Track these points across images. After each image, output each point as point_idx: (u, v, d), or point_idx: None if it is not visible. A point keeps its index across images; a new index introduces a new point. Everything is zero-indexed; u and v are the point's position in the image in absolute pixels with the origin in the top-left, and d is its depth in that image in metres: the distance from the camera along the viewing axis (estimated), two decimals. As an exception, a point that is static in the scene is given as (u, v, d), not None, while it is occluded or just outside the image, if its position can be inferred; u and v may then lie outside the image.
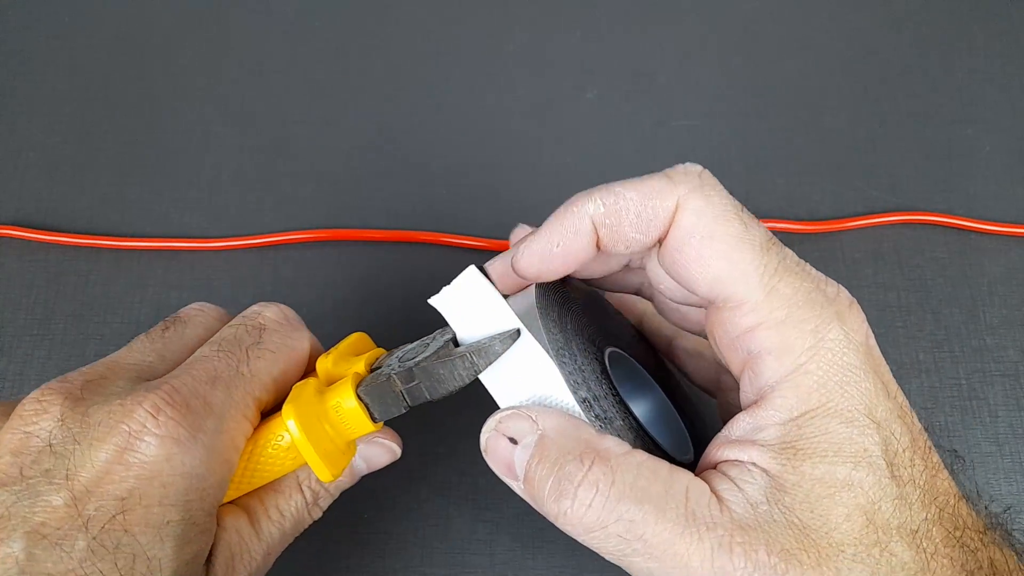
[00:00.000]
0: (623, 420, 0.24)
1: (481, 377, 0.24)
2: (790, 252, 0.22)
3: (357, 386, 0.25)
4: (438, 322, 0.40)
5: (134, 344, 0.26)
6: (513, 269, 0.23)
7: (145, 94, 0.45)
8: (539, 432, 0.21)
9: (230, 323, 0.27)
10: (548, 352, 0.23)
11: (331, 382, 0.26)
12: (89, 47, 0.46)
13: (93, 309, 0.39)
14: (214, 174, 0.43)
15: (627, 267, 0.27)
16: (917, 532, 0.20)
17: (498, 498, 0.35)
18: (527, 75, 0.45)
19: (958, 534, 0.20)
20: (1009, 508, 0.24)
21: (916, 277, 0.40)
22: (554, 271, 0.23)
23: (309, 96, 0.45)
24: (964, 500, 0.21)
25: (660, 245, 0.23)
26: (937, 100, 0.44)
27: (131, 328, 0.39)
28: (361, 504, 0.35)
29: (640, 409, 0.29)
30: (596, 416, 0.22)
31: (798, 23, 0.47)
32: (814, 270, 0.22)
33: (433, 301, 0.25)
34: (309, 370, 0.28)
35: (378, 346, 0.29)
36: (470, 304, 0.24)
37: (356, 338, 0.28)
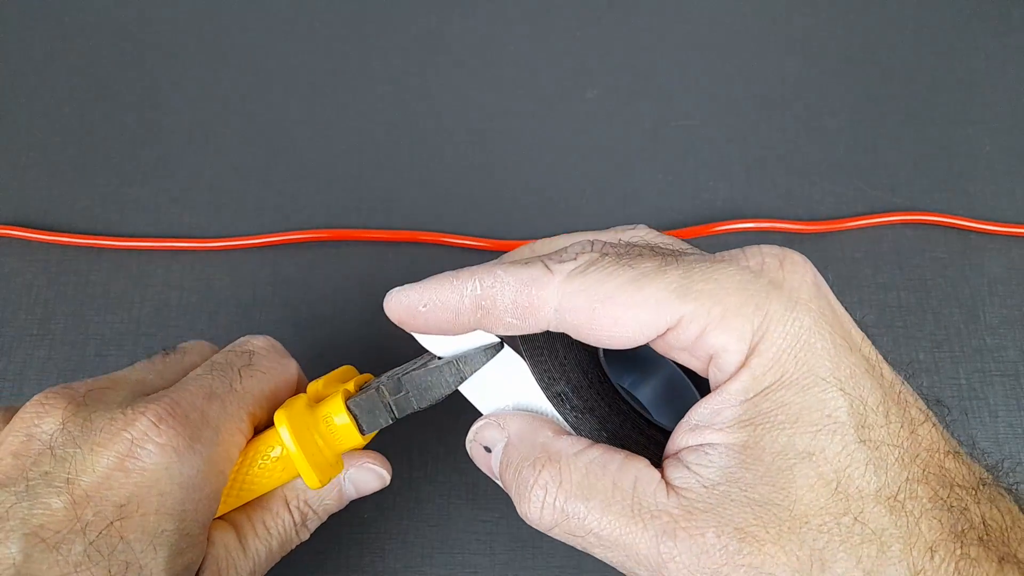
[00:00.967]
0: (608, 406, 0.24)
1: (460, 387, 0.25)
2: (689, 254, 0.22)
3: (347, 400, 0.26)
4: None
5: (135, 365, 0.27)
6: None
7: (145, 94, 0.45)
8: (505, 439, 0.23)
9: (221, 350, 0.28)
10: (521, 354, 0.23)
11: (320, 400, 0.27)
12: (89, 47, 0.46)
13: (93, 309, 0.39)
14: (214, 174, 0.43)
15: None
16: (898, 495, 0.19)
17: (498, 498, 0.35)
18: (527, 75, 0.45)
19: (945, 493, 0.20)
20: (1004, 460, 0.23)
21: (916, 277, 0.40)
22: (418, 328, 0.23)
23: (309, 96, 0.45)
24: (952, 454, 0.20)
25: (566, 329, 0.22)
26: (937, 100, 0.44)
27: (131, 328, 0.39)
28: (361, 504, 0.35)
29: (645, 390, 0.29)
30: (572, 407, 0.23)
31: (798, 23, 0.47)
32: (725, 253, 0.22)
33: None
34: (298, 393, 0.29)
35: (370, 359, 0.30)
36: None
37: (345, 369, 0.29)
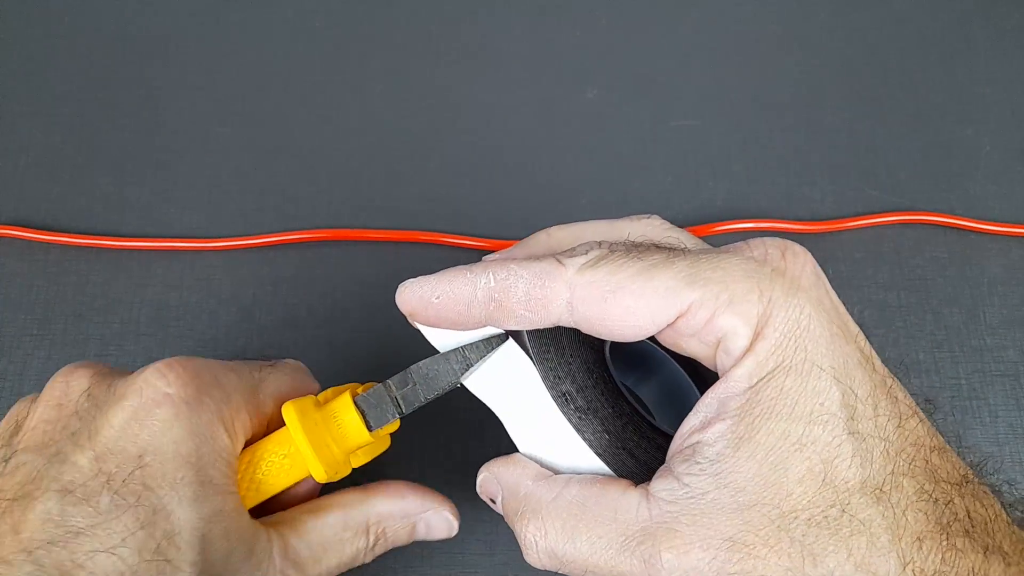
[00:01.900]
0: (612, 408, 0.24)
1: (466, 382, 0.25)
2: (694, 244, 0.23)
3: (354, 397, 0.27)
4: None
5: None
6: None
7: (145, 94, 0.45)
8: (502, 496, 0.24)
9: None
10: (529, 352, 0.24)
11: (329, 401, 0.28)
12: (89, 47, 0.46)
13: (93, 309, 0.39)
14: (214, 174, 0.43)
15: None
16: (883, 487, 0.20)
17: (498, 498, 0.35)
18: (527, 75, 0.45)
19: (931, 487, 0.20)
20: (988, 457, 0.23)
21: (916, 277, 0.40)
22: (428, 319, 0.24)
23: (309, 96, 0.45)
24: (938, 450, 0.21)
25: (577, 324, 0.23)
26: (937, 100, 0.44)
27: (131, 328, 0.39)
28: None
29: (648, 389, 0.29)
30: (576, 408, 0.23)
31: (799, 22, 0.47)
32: (729, 246, 0.23)
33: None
34: None
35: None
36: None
37: (352, 385, 0.29)
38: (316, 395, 0.29)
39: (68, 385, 0.26)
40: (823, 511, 0.19)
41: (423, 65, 0.45)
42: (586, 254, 0.22)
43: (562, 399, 0.23)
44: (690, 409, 0.22)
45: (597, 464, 0.23)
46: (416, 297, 0.23)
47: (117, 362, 0.38)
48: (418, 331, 0.25)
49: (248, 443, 0.27)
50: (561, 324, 0.22)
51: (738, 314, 0.21)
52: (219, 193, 0.42)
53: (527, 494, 0.23)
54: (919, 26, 0.46)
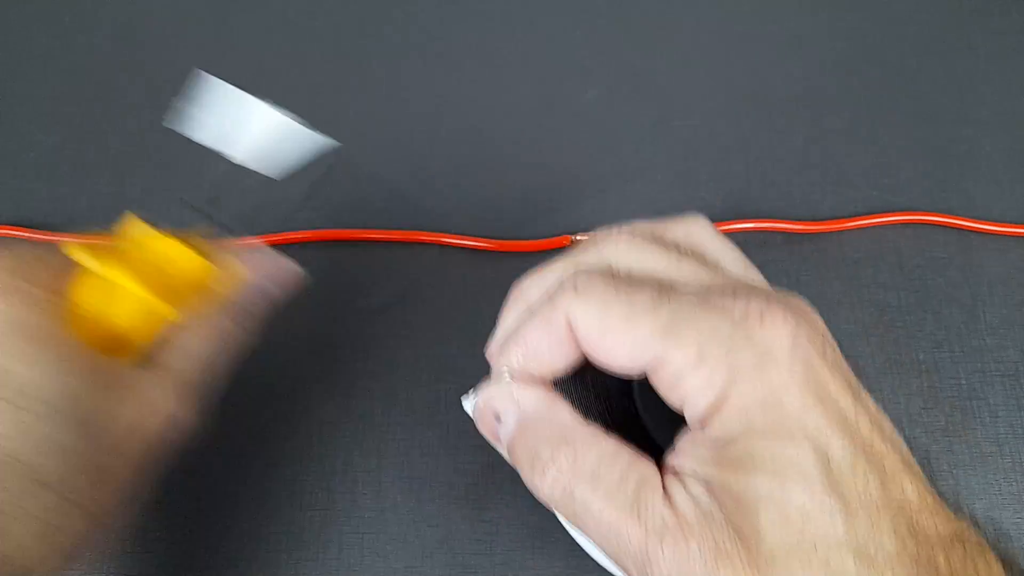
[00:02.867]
0: (630, 439, 0.24)
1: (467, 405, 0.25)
2: (685, 290, 0.23)
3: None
4: (439, 322, 0.40)
5: None
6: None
7: (144, 93, 0.45)
8: (519, 414, 0.24)
9: None
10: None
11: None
12: (89, 47, 0.46)
13: (93, 309, 0.39)
14: (213, 173, 0.43)
15: None
16: (865, 547, 0.20)
17: (498, 498, 0.35)
18: (527, 75, 0.45)
19: (912, 547, 0.20)
20: (975, 519, 0.23)
21: (916, 277, 0.40)
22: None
23: (308, 96, 0.45)
24: (928, 510, 0.21)
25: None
26: (937, 100, 0.44)
27: (131, 328, 0.39)
28: (361, 505, 0.35)
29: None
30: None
31: (799, 22, 0.47)
32: (714, 298, 0.23)
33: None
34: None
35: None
36: None
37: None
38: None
39: None
40: (802, 563, 0.19)
41: (423, 65, 0.45)
42: (573, 286, 0.23)
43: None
44: None
45: None
46: (481, 419, 0.25)
47: (117, 362, 0.38)
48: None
49: None
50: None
51: (701, 377, 0.21)
52: (218, 193, 0.42)
53: (563, 424, 0.23)
54: (920, 26, 0.46)
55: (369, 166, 0.43)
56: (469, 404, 0.26)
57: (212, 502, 0.36)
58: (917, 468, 0.21)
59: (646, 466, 0.22)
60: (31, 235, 0.40)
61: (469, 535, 0.35)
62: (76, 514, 0.25)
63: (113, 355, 0.27)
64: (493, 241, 0.40)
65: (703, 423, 0.22)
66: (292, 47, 0.46)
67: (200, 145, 0.43)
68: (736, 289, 0.23)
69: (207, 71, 0.46)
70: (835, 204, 0.42)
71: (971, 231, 0.41)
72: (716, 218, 0.41)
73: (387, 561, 0.34)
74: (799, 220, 0.41)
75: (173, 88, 0.46)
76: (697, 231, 0.26)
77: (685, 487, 0.21)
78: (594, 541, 0.22)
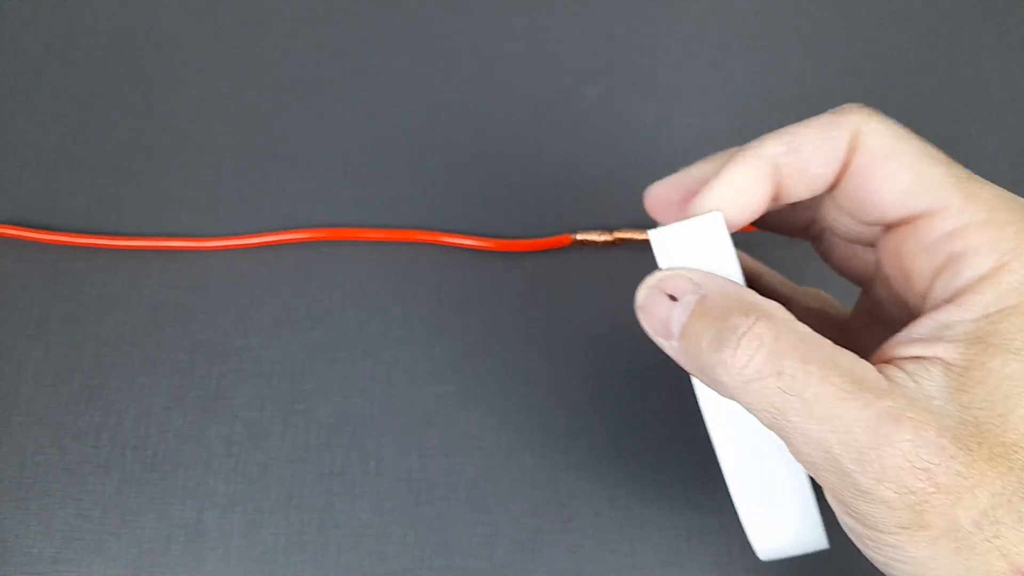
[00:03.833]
0: None
1: (652, 234, 0.23)
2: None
3: None
4: (438, 322, 0.40)
5: None
6: (688, 205, 0.24)
7: (143, 92, 0.44)
8: (702, 293, 0.21)
9: None
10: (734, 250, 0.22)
11: None
12: (87, 45, 0.46)
13: (89, 309, 0.39)
14: (212, 173, 0.42)
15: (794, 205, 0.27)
16: None
17: (497, 500, 0.35)
18: (527, 72, 0.45)
19: None
20: None
21: (919, 277, 0.40)
22: (714, 188, 0.23)
23: (307, 94, 0.44)
24: None
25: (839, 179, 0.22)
26: (940, 99, 0.44)
27: (127, 328, 0.38)
28: (360, 507, 0.35)
29: None
30: None
31: (800, 21, 0.46)
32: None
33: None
34: None
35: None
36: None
37: None
38: None
39: None
40: None
41: (421, 63, 0.45)
42: (868, 109, 0.22)
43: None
44: None
45: None
46: (697, 174, 0.23)
47: (113, 362, 0.38)
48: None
49: None
50: (829, 179, 0.22)
51: (989, 237, 0.20)
52: (216, 192, 0.42)
53: (755, 302, 0.21)
54: (922, 25, 0.46)
55: (368, 165, 0.42)
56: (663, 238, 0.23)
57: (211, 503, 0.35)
58: None
59: (850, 353, 0.20)
60: (27, 234, 0.40)
61: (469, 538, 0.35)
62: None
63: None
64: (493, 240, 0.40)
65: (957, 295, 0.20)
66: (291, 46, 0.46)
67: (198, 144, 0.43)
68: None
69: (207, 71, 0.46)
70: (837, 203, 0.41)
71: (975, 231, 0.40)
72: (717, 218, 0.41)
73: (386, 564, 0.34)
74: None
75: (173, 88, 0.46)
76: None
77: (912, 378, 0.19)
78: (797, 433, 0.19)
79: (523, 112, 0.44)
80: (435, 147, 0.43)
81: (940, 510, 0.18)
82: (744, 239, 0.40)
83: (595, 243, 0.40)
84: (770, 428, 0.20)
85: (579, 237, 0.40)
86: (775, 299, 0.31)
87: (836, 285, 0.40)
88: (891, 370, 0.20)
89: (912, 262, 0.22)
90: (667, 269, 0.22)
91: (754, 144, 0.23)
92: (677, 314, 0.21)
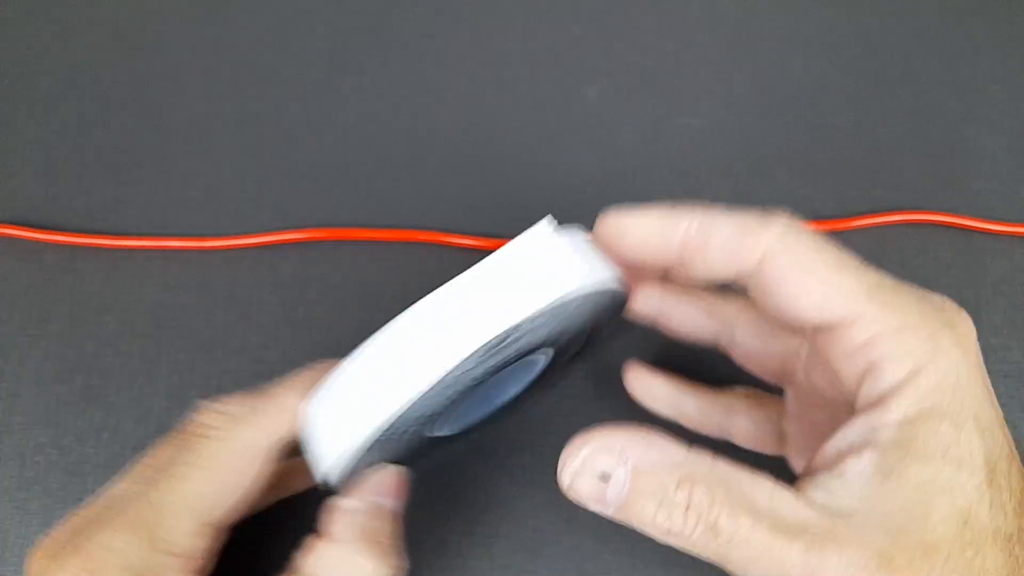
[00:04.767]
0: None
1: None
2: (884, 273, 0.23)
3: None
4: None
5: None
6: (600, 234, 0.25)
7: (142, 92, 0.44)
8: (630, 466, 0.22)
9: None
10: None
11: None
12: (86, 45, 0.46)
13: (89, 309, 0.39)
14: (212, 173, 0.42)
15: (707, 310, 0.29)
16: (1012, 538, 0.20)
17: (497, 501, 0.35)
18: (527, 72, 0.45)
19: None
20: None
21: (920, 277, 0.39)
22: (620, 246, 0.24)
23: (307, 94, 0.44)
24: None
25: (753, 286, 0.23)
26: (941, 99, 0.44)
27: (128, 328, 0.38)
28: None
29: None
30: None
31: (801, 20, 0.46)
32: (909, 286, 0.23)
33: None
34: None
35: None
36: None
37: None
38: None
39: None
40: (960, 550, 0.20)
41: (422, 63, 0.45)
42: (788, 220, 0.22)
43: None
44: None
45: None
46: (617, 221, 0.24)
47: (113, 362, 0.38)
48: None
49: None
50: (739, 280, 0.23)
51: (902, 344, 0.21)
52: (217, 192, 0.42)
53: (681, 462, 0.22)
54: (923, 24, 0.46)
55: (368, 165, 0.42)
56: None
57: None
58: None
59: (766, 479, 0.21)
60: (27, 234, 0.40)
61: (469, 539, 0.34)
62: None
63: None
64: (493, 240, 0.40)
65: (881, 399, 0.21)
66: (291, 46, 0.46)
67: (198, 144, 0.43)
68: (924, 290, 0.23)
69: (207, 71, 0.46)
70: (837, 203, 0.41)
71: (975, 231, 0.40)
72: (718, 218, 0.41)
73: (386, 563, 0.34)
74: (802, 219, 0.40)
75: (173, 88, 0.45)
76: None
77: (830, 492, 0.21)
78: (740, 571, 0.21)
79: (523, 112, 0.44)
80: (435, 147, 0.43)
81: None
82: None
83: (595, 243, 0.40)
84: (721, 567, 0.22)
85: (579, 237, 0.40)
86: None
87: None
88: (813, 491, 0.21)
89: (838, 365, 0.23)
90: (584, 446, 0.22)
91: (676, 209, 0.24)
92: (612, 494, 0.22)
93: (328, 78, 0.45)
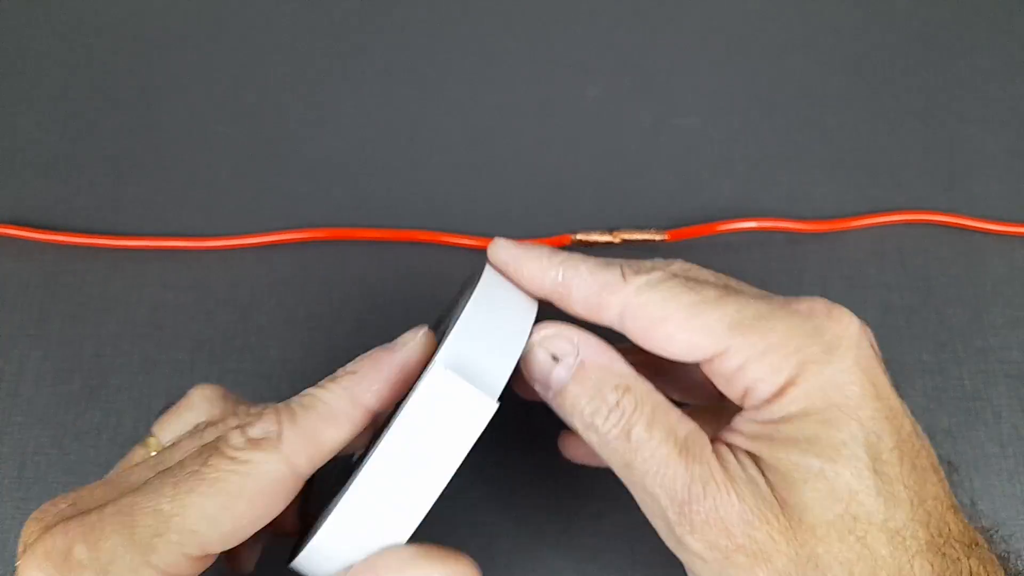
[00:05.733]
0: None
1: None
2: (747, 288, 0.25)
3: None
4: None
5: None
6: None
7: (142, 92, 0.44)
8: (580, 358, 0.24)
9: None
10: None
11: None
12: (86, 44, 0.46)
13: (89, 309, 0.39)
14: (211, 173, 0.42)
15: None
16: (900, 531, 0.21)
17: (497, 502, 0.35)
18: (527, 73, 0.45)
19: (941, 541, 0.21)
20: (999, 525, 0.24)
21: (919, 277, 0.39)
22: (506, 271, 0.26)
23: (307, 94, 0.44)
24: (952, 510, 0.22)
25: (626, 332, 0.25)
26: (941, 98, 0.44)
27: (127, 328, 0.38)
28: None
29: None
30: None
31: (801, 20, 0.46)
32: (778, 296, 0.24)
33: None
34: None
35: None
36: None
37: None
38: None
39: None
40: (840, 535, 0.20)
41: (422, 63, 0.45)
42: (648, 274, 0.24)
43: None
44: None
45: None
46: (501, 255, 0.26)
47: (113, 362, 0.38)
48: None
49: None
50: (613, 327, 0.24)
51: (769, 365, 0.22)
52: (217, 192, 0.42)
53: (623, 372, 0.24)
54: (923, 23, 0.46)
55: (368, 165, 0.42)
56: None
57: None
58: (941, 472, 0.23)
59: (691, 424, 0.23)
60: (27, 234, 0.40)
61: (469, 540, 0.34)
62: None
63: None
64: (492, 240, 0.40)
65: (762, 404, 0.23)
66: (291, 46, 0.46)
67: (198, 144, 0.43)
68: (793, 297, 0.24)
69: (207, 71, 0.46)
70: (837, 203, 0.41)
71: (975, 231, 0.40)
72: (717, 218, 0.41)
73: (386, 563, 0.34)
74: (801, 220, 0.40)
75: (173, 88, 0.45)
76: (679, 268, 0.27)
77: (734, 455, 0.22)
78: (638, 485, 0.23)
79: (523, 112, 0.44)
80: (435, 147, 0.43)
81: (743, 568, 0.21)
82: (746, 238, 0.40)
83: (595, 243, 0.40)
84: (621, 478, 0.24)
85: (579, 237, 0.40)
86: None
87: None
88: (720, 446, 0.23)
89: (720, 387, 0.24)
90: (553, 328, 0.25)
91: (554, 254, 0.25)
92: (557, 376, 0.24)
93: (328, 78, 0.45)
